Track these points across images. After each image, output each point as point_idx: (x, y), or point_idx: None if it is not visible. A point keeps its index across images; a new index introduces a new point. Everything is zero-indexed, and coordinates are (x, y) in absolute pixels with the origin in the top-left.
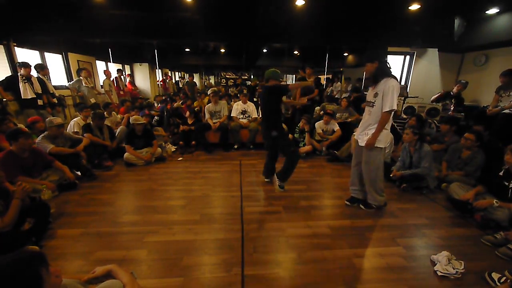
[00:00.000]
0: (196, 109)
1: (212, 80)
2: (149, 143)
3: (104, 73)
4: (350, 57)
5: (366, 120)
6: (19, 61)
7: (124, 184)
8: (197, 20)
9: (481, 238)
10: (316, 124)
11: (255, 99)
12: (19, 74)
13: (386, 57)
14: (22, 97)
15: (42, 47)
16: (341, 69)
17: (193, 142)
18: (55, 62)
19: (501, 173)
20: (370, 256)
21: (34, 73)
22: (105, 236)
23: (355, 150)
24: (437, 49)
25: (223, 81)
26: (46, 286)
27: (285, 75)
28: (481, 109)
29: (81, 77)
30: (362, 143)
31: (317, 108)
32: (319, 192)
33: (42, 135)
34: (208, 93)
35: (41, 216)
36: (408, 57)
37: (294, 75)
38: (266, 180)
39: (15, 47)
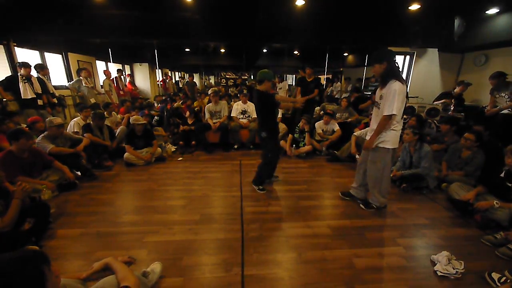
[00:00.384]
0: (196, 109)
1: (212, 80)
2: (149, 143)
3: (104, 73)
4: (350, 57)
5: (373, 121)
6: (19, 61)
7: (124, 184)
8: (197, 20)
9: (481, 238)
10: (316, 124)
11: None
12: (19, 74)
13: (395, 56)
14: (22, 97)
15: (42, 47)
16: (341, 69)
17: (193, 142)
18: (55, 62)
19: (502, 175)
20: (370, 256)
21: (34, 73)
22: (105, 236)
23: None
24: (437, 49)
25: (223, 81)
26: (48, 284)
27: (285, 75)
28: (481, 109)
29: (81, 77)
30: None
31: (317, 108)
32: (319, 192)
33: (42, 135)
34: (209, 93)
35: (41, 216)
36: (408, 57)
37: (294, 75)
38: (265, 180)
39: (15, 47)
